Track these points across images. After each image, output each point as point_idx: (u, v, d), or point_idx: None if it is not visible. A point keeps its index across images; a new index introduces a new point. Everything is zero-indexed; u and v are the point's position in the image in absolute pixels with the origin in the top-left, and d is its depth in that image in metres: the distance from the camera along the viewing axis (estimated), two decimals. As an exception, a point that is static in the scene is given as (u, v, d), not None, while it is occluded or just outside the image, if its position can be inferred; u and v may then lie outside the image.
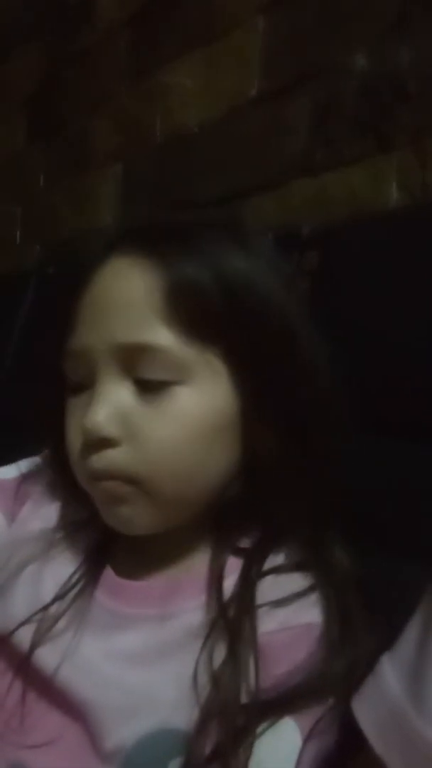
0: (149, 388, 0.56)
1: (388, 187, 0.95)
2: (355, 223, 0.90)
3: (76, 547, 0.64)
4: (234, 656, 0.54)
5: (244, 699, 0.53)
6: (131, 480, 0.57)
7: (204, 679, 0.54)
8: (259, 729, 0.52)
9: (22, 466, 0.72)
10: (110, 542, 0.64)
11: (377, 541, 0.66)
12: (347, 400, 0.75)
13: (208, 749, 0.51)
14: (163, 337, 0.55)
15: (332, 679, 0.53)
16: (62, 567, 0.64)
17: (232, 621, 0.56)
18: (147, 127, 1.42)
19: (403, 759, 0.44)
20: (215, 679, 0.54)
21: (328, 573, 0.59)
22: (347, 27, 1.02)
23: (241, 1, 1.20)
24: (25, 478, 0.71)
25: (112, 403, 0.57)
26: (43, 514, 0.68)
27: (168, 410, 0.56)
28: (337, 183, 1.02)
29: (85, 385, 0.59)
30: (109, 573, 0.63)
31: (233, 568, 0.60)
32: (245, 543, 0.62)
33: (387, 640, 0.50)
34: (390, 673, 0.46)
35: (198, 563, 0.62)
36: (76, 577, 0.63)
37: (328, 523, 0.61)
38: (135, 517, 0.59)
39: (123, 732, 0.54)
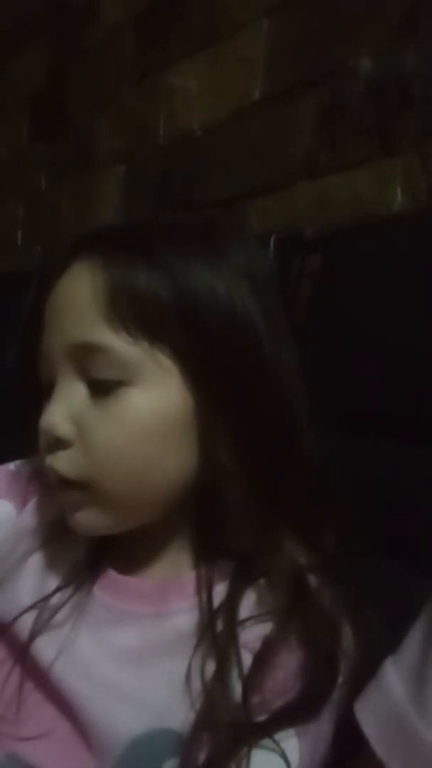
0: (101, 389, 0.57)
1: (393, 190, 0.95)
2: (359, 226, 0.90)
3: (77, 541, 0.64)
4: (223, 675, 0.54)
5: (237, 714, 0.53)
6: (81, 484, 0.58)
7: (197, 685, 0.54)
8: (257, 738, 0.52)
9: (18, 464, 0.73)
10: (108, 538, 0.64)
11: (379, 548, 0.66)
12: (350, 403, 0.75)
13: (203, 758, 0.52)
14: (107, 336, 0.56)
15: (315, 692, 0.54)
16: (65, 560, 0.64)
17: (221, 636, 0.56)
18: (151, 127, 1.42)
19: (405, 762, 0.44)
20: (207, 693, 0.54)
21: (285, 583, 0.58)
22: (352, 30, 1.02)
23: (247, 3, 1.21)
24: (33, 474, 0.71)
25: (66, 404, 0.58)
26: (47, 506, 0.69)
27: (115, 411, 0.56)
28: (341, 186, 1.02)
29: (53, 386, 0.60)
30: (107, 569, 0.63)
31: (225, 571, 0.60)
32: (239, 543, 0.61)
33: (389, 645, 0.50)
34: (393, 677, 0.46)
35: (186, 563, 0.62)
36: (77, 570, 0.63)
37: (283, 528, 0.60)
38: (89, 522, 0.60)
39: (116, 731, 0.54)
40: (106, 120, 1.57)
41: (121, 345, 0.56)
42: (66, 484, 0.59)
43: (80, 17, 1.65)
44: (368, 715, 0.47)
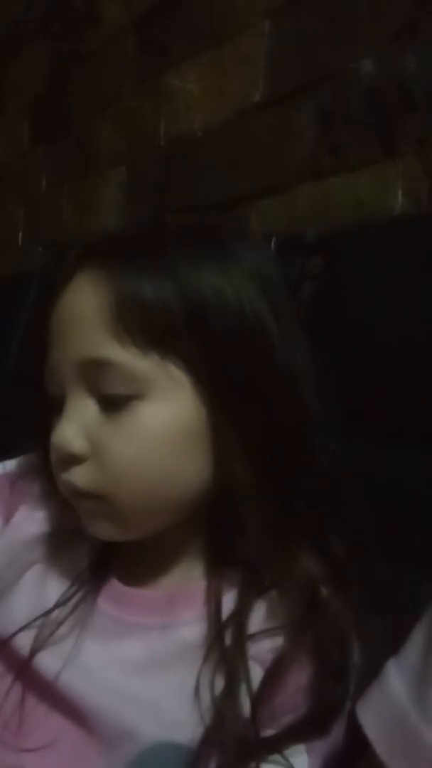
0: (112, 404, 0.56)
1: (394, 193, 0.95)
2: (360, 228, 0.90)
3: (78, 553, 0.64)
4: (232, 690, 0.54)
5: (246, 730, 0.52)
6: (97, 496, 0.57)
7: (206, 699, 0.54)
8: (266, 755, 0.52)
9: (7, 465, 0.72)
10: (112, 549, 0.64)
11: (380, 551, 0.66)
12: (351, 406, 0.75)
13: None
14: (115, 351, 0.55)
15: (325, 709, 0.53)
16: (65, 572, 0.63)
17: (230, 649, 0.55)
18: (152, 130, 1.42)
19: (407, 764, 0.44)
20: (216, 707, 0.53)
21: (298, 595, 0.57)
22: (354, 32, 1.02)
23: (248, 5, 1.21)
24: (18, 477, 0.70)
25: (78, 420, 0.57)
26: (41, 517, 0.68)
27: (128, 426, 0.56)
28: (342, 188, 1.02)
29: (62, 401, 0.59)
30: (111, 580, 0.63)
31: (235, 581, 0.59)
32: (251, 554, 0.60)
33: (391, 648, 0.50)
34: (395, 679, 0.46)
35: (197, 573, 0.61)
36: (79, 583, 0.62)
37: (297, 538, 0.58)
38: (108, 531, 0.59)
39: (125, 742, 0.54)
40: (107, 122, 1.57)
41: (130, 359, 0.55)
42: (80, 494, 0.58)
43: (81, 19, 1.66)
44: (370, 717, 0.47)
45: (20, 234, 1.87)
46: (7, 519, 0.69)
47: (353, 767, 0.51)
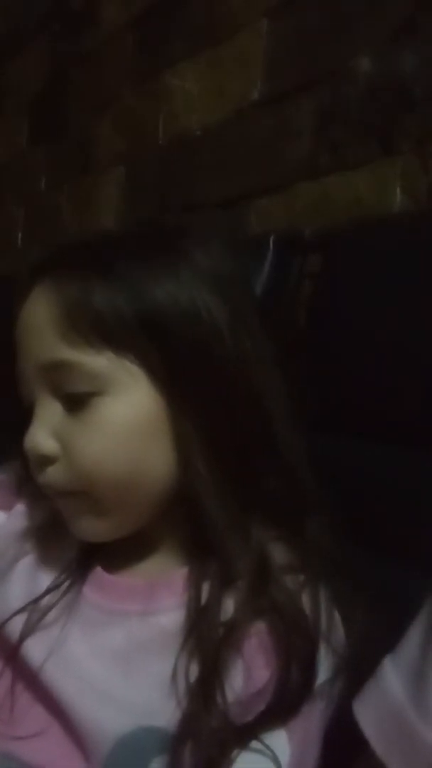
0: (76, 403, 0.59)
1: (392, 191, 0.95)
2: (359, 227, 0.90)
3: (67, 543, 0.66)
4: (206, 677, 0.55)
5: (220, 717, 0.54)
6: (76, 492, 0.60)
7: (182, 685, 0.55)
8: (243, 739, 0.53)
9: (1, 471, 0.74)
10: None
11: (377, 547, 0.66)
12: (349, 404, 0.75)
13: (190, 757, 0.53)
14: (69, 352, 0.58)
15: (289, 697, 0.54)
16: (55, 562, 0.66)
17: (205, 637, 0.57)
18: (150, 129, 1.42)
19: (405, 761, 0.44)
20: (191, 694, 0.55)
21: (249, 582, 0.59)
22: (352, 31, 1.02)
23: (246, 4, 1.20)
24: (17, 480, 0.72)
25: (47, 422, 0.60)
26: (32, 513, 0.70)
27: (92, 422, 0.58)
28: (341, 187, 1.02)
29: (33, 406, 0.62)
30: (97, 569, 0.64)
31: (212, 569, 0.60)
32: (217, 542, 0.61)
33: (387, 644, 0.50)
34: (392, 676, 0.47)
35: (178, 561, 0.63)
36: (67, 571, 0.64)
37: (261, 528, 0.60)
38: (91, 529, 0.62)
39: (103, 730, 0.55)
40: (106, 121, 1.57)
41: (84, 358, 0.58)
42: (62, 494, 0.61)
43: (80, 19, 1.66)
44: (367, 715, 0.47)
45: (20, 234, 1.87)
46: (9, 513, 0.72)
47: (352, 765, 0.51)
